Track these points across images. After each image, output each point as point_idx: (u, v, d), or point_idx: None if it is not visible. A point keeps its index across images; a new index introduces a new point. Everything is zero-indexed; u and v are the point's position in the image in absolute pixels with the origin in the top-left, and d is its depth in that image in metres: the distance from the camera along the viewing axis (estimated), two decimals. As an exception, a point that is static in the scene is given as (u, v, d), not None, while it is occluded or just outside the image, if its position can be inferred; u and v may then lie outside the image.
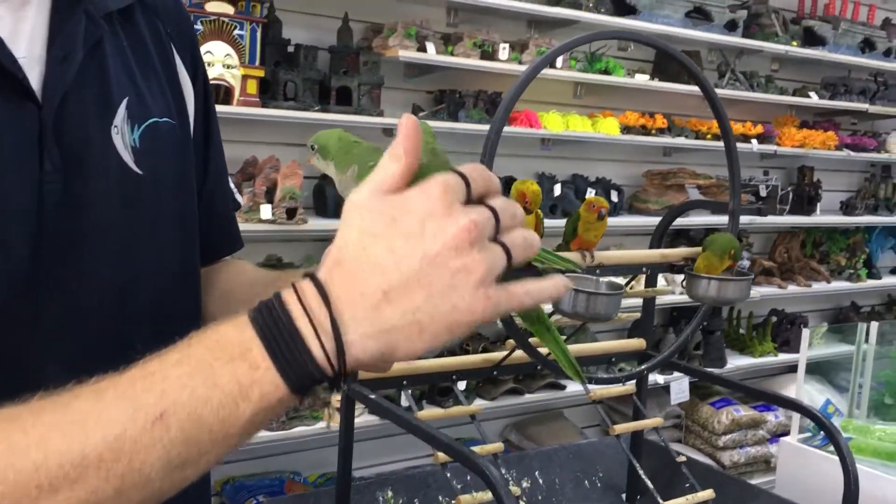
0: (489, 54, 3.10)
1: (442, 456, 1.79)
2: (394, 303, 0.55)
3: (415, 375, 1.54)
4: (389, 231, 0.56)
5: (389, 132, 3.18)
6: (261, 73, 2.69)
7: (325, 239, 3.14)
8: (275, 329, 0.55)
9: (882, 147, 4.77)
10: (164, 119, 0.82)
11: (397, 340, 0.55)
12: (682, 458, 2.13)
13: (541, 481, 2.23)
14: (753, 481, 2.45)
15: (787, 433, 3.99)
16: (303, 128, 2.94)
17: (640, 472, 1.99)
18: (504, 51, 3.09)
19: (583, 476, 2.32)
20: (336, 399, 2.93)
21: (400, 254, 0.55)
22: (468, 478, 1.93)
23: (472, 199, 0.58)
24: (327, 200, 2.95)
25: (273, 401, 0.55)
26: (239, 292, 0.91)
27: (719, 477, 2.15)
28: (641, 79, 3.61)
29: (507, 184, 3.45)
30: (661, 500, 1.93)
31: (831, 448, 2.55)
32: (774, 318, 4.51)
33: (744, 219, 3.84)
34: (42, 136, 0.70)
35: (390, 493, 1.77)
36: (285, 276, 0.90)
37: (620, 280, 1.84)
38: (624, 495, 2.34)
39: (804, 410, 2.01)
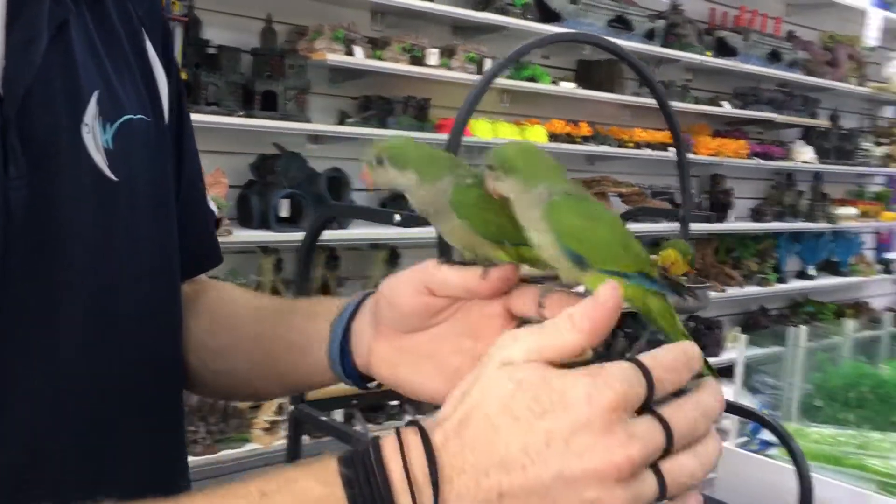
0: (418, 59, 3.03)
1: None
2: None
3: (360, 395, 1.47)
4: (532, 423, 0.47)
5: (316, 139, 3.07)
6: (181, 76, 2.53)
7: (250, 251, 3.00)
8: (370, 498, 0.47)
9: (788, 155, 4.93)
10: (139, 116, 0.71)
11: None
12: (635, 470, 2.09)
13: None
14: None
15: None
16: (226, 134, 2.80)
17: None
18: (433, 56, 3.03)
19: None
20: (264, 419, 2.79)
21: (533, 457, 0.46)
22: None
23: (651, 403, 0.48)
24: (252, 211, 2.82)
25: None
26: (244, 324, 0.80)
27: (670, 487, 2.13)
28: (567, 87, 3.61)
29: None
30: (618, 515, 1.88)
31: (769, 452, 2.58)
32: (692, 324, 4.59)
33: (663, 226, 3.90)
34: (5, 134, 0.59)
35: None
36: (296, 306, 0.79)
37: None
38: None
39: (758, 418, 2.01)
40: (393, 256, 3.22)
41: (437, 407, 0.54)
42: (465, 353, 0.64)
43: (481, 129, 3.24)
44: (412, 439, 0.48)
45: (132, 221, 0.69)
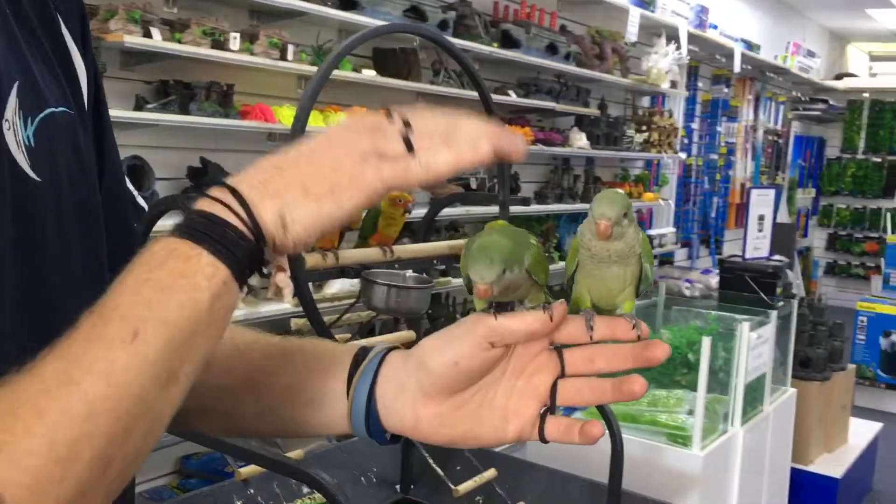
0: (220, 43, 2.94)
1: (245, 472, 1.69)
2: (284, 171, 0.59)
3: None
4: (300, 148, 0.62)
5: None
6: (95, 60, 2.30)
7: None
8: (192, 221, 0.57)
9: (566, 142, 5.30)
10: (61, 108, 0.66)
11: (288, 203, 0.58)
12: (464, 442, 2.21)
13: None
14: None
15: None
16: (9, 119, 2.57)
17: (431, 461, 2.03)
18: (235, 40, 2.96)
19: (359, 473, 2.32)
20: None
21: (302, 147, 0.61)
22: (275, 488, 1.84)
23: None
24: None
25: (219, 283, 0.56)
26: (227, 364, 0.74)
27: (495, 456, 2.27)
28: (369, 74, 3.66)
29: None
30: (452, 486, 1.99)
31: (574, 416, 2.80)
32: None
33: (456, 210, 4.08)
34: None
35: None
36: (287, 349, 0.76)
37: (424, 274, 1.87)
38: (398, 486, 2.38)
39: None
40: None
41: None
42: (517, 392, 0.68)
43: (286, 116, 3.21)
44: (215, 189, 0.58)
45: (59, 225, 0.64)
